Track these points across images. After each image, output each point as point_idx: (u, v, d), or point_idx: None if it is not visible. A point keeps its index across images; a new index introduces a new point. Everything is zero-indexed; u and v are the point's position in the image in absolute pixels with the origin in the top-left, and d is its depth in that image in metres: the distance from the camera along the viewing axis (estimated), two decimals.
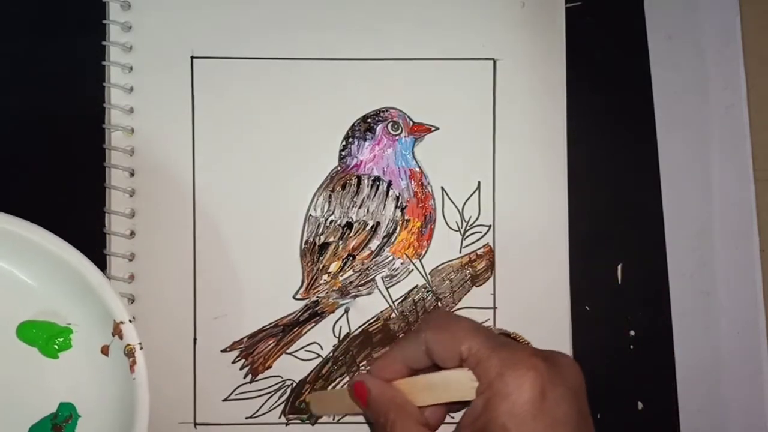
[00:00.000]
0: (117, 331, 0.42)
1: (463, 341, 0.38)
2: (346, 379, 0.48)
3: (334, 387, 0.48)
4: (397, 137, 0.48)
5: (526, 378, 0.36)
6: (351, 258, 0.48)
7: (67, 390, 0.44)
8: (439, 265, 0.48)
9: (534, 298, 0.48)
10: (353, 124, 0.48)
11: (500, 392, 0.36)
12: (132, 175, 0.48)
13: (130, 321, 0.42)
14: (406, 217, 0.48)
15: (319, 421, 0.48)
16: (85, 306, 0.43)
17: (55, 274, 0.43)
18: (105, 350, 0.43)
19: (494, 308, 0.48)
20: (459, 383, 0.38)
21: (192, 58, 0.48)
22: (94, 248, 0.47)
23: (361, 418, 0.48)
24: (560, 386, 0.36)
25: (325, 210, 0.48)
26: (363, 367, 0.48)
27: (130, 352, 0.42)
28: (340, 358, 0.48)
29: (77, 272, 0.42)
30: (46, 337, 0.44)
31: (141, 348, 0.42)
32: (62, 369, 0.44)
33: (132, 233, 0.47)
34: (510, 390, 0.36)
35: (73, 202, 0.48)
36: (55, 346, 0.44)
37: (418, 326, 0.42)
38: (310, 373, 0.48)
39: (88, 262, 0.42)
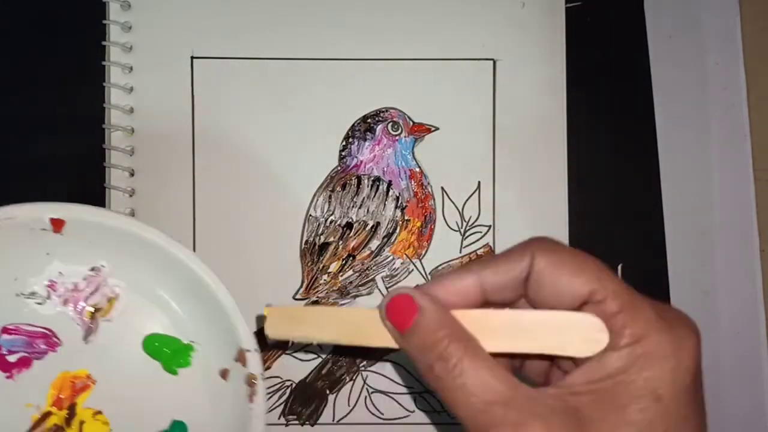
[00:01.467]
0: (241, 358, 0.40)
1: (598, 279, 0.29)
2: (347, 379, 0.48)
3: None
4: (397, 137, 0.48)
5: (689, 342, 0.29)
6: (351, 258, 0.48)
7: (181, 408, 0.43)
8: (440, 265, 0.48)
9: None
10: (353, 124, 0.48)
11: (656, 352, 0.28)
12: (132, 175, 0.48)
13: (255, 350, 0.40)
14: (406, 217, 0.48)
15: (318, 422, 0.48)
16: (211, 326, 0.42)
17: (189, 291, 0.42)
18: (224, 374, 0.42)
19: None
20: (577, 332, 0.29)
21: (192, 58, 0.48)
22: None
23: (358, 415, 0.48)
24: (701, 362, 0.30)
25: (325, 210, 0.48)
26: (363, 368, 0.48)
27: (251, 382, 0.40)
28: (340, 359, 0.48)
29: (212, 293, 0.40)
30: (169, 352, 0.43)
31: (263, 379, 0.41)
32: (179, 387, 0.43)
33: None
34: (670, 352, 0.28)
35: (73, 202, 0.48)
36: (177, 363, 0.43)
37: (519, 248, 0.31)
38: (309, 373, 0.48)
39: (222, 285, 0.41)
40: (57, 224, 0.40)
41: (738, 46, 0.49)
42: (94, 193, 0.48)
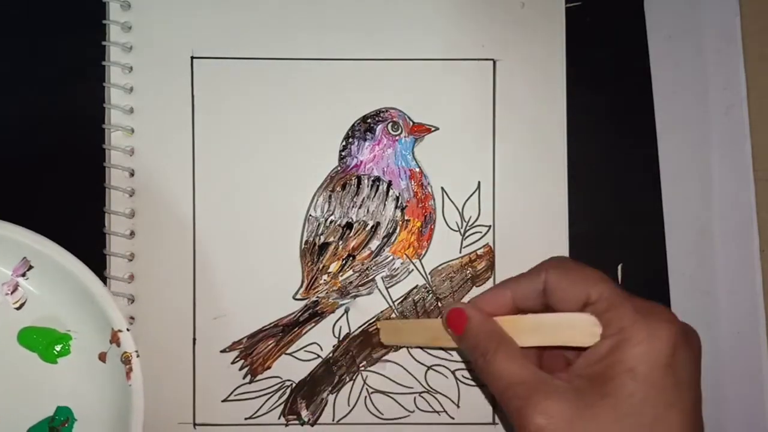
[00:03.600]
0: (115, 339, 0.43)
1: (593, 285, 0.38)
2: (347, 379, 0.48)
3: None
4: (397, 137, 0.48)
5: (663, 329, 0.36)
6: (351, 258, 0.48)
7: (64, 394, 0.45)
8: (439, 265, 0.48)
9: None
10: (353, 125, 0.48)
11: (633, 337, 0.35)
12: (132, 175, 0.48)
13: (127, 329, 0.43)
14: (406, 217, 0.48)
15: (318, 422, 0.48)
16: (84, 314, 0.44)
17: (58, 282, 0.44)
18: (102, 357, 0.44)
19: None
20: (579, 327, 0.37)
21: (192, 58, 0.48)
22: (94, 248, 0.47)
23: (364, 417, 0.48)
24: (689, 349, 0.36)
25: (325, 210, 0.48)
26: (363, 368, 0.48)
27: (126, 360, 0.43)
28: (340, 359, 0.48)
29: (79, 281, 0.43)
30: (46, 343, 0.45)
31: (137, 356, 0.43)
32: (61, 374, 0.45)
33: (132, 233, 0.47)
34: (644, 337, 0.35)
35: (73, 202, 0.48)
36: (55, 352, 0.45)
37: (537, 267, 0.41)
38: (309, 373, 0.48)
39: (89, 271, 0.43)
40: None
41: (738, 46, 0.49)
42: (94, 193, 0.48)
